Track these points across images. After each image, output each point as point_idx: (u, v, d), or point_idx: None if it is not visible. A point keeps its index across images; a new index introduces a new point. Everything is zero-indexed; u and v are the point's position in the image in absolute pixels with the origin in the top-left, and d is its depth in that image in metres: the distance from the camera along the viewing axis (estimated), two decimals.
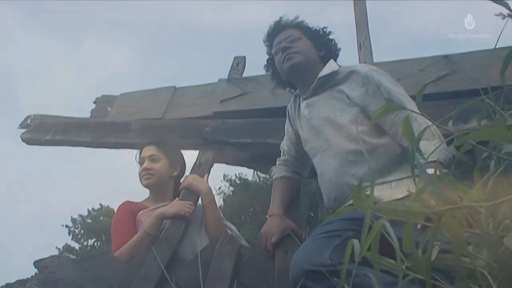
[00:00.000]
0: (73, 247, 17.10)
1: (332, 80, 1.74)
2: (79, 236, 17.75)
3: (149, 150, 2.18)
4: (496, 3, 0.64)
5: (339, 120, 1.64)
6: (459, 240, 0.59)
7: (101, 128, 2.57)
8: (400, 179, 1.48)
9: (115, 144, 2.49)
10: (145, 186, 2.16)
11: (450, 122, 0.79)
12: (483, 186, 0.63)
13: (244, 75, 2.76)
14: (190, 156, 2.33)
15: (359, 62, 2.52)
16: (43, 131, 2.60)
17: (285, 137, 1.99)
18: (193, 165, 2.27)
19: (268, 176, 2.30)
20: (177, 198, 2.08)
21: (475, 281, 0.65)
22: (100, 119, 2.71)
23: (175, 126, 2.47)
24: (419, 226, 0.90)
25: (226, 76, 2.72)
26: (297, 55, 1.79)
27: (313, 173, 1.82)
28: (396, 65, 2.36)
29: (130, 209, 2.07)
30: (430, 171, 1.25)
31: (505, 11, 0.61)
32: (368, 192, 0.56)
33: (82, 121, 2.69)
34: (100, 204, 18.22)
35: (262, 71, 2.08)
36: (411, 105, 1.48)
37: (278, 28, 1.90)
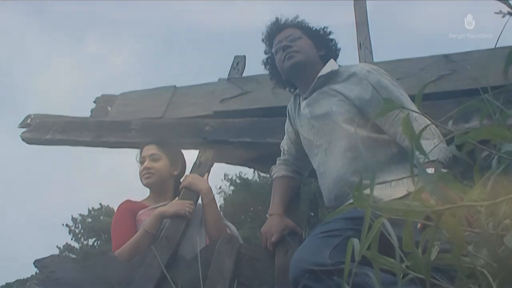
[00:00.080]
0: (74, 247, 17.13)
1: (332, 80, 1.74)
2: (79, 236, 17.78)
3: (150, 149, 2.18)
4: (497, 0, 0.64)
5: (339, 119, 1.64)
6: (459, 239, 0.59)
7: (101, 127, 2.57)
8: (400, 179, 1.48)
9: (115, 143, 2.49)
10: (146, 185, 2.16)
11: (450, 122, 0.79)
12: (483, 185, 0.63)
13: (244, 74, 2.76)
14: (190, 156, 2.33)
15: (359, 62, 2.51)
16: (43, 130, 2.60)
17: (285, 137, 1.99)
18: (193, 165, 2.27)
19: (268, 176, 2.30)
20: (177, 198, 2.08)
21: (475, 280, 0.65)
22: (100, 119, 2.71)
23: (175, 126, 2.47)
24: (419, 225, 0.90)
25: (226, 76, 2.72)
26: (297, 54, 1.79)
27: (313, 173, 1.82)
28: (396, 64, 2.35)
29: (130, 208, 2.07)
30: (430, 170, 1.25)
31: (505, 9, 0.61)
32: (368, 191, 0.56)
33: (82, 121, 2.69)
34: (100, 204, 18.25)
35: (262, 71, 2.08)
36: (411, 105, 1.48)
37: (278, 27, 1.90)
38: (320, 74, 1.76)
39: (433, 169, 1.23)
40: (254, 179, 12.79)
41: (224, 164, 2.54)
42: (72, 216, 17.95)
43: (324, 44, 1.88)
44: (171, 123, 2.51)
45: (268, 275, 1.71)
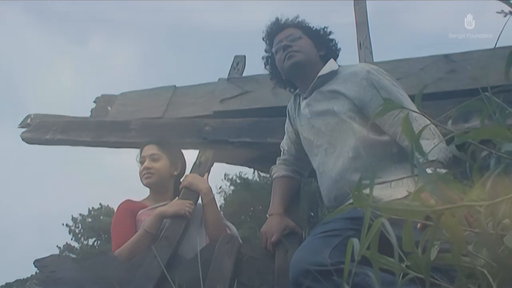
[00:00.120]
0: (74, 246, 17.14)
1: (332, 80, 1.74)
2: (79, 235, 17.79)
3: (150, 149, 2.18)
4: (497, 0, 0.64)
5: (339, 119, 1.64)
6: (459, 239, 0.59)
7: (101, 127, 2.57)
8: (400, 179, 1.48)
9: (115, 143, 2.49)
10: (146, 185, 2.16)
11: (450, 121, 0.79)
12: (483, 185, 0.63)
13: (244, 74, 2.76)
14: (190, 156, 2.33)
15: (359, 62, 2.52)
16: (43, 130, 2.60)
17: (285, 136, 1.99)
18: (193, 165, 2.27)
19: (268, 176, 2.30)
20: (177, 198, 2.08)
21: (474, 280, 0.65)
22: (100, 119, 2.71)
23: (175, 125, 2.47)
24: (418, 225, 0.90)
25: (226, 76, 2.72)
26: (298, 54, 1.79)
27: (313, 173, 1.82)
28: (396, 64, 2.35)
29: (130, 208, 2.07)
30: (430, 170, 1.25)
31: (506, 9, 0.61)
32: (368, 191, 0.56)
33: (82, 121, 2.69)
34: (100, 204, 18.26)
35: (262, 71, 2.08)
36: (411, 106, 1.48)
37: (278, 27, 1.90)
38: (320, 74, 1.76)
39: (432, 169, 1.23)
40: (254, 179, 12.80)
41: (224, 164, 2.54)
42: (72, 216, 17.98)
43: (324, 44, 1.88)
44: (171, 123, 2.51)
45: (268, 275, 1.70)
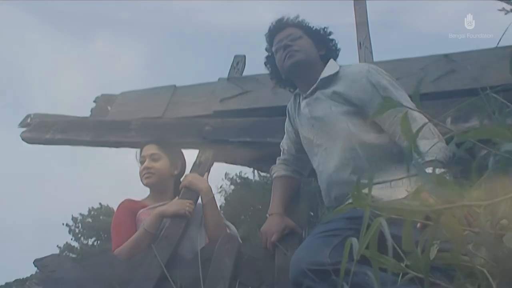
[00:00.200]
0: (74, 246, 17.15)
1: (332, 79, 1.74)
2: (79, 235, 17.80)
3: (150, 149, 2.18)
4: (498, 0, 0.64)
5: (339, 119, 1.64)
6: (458, 238, 0.59)
7: (101, 127, 2.57)
8: (399, 179, 1.48)
9: (115, 143, 2.50)
10: (146, 185, 2.16)
11: (449, 120, 0.79)
12: (483, 184, 0.63)
13: (244, 74, 2.75)
14: (190, 155, 2.33)
15: (359, 61, 2.52)
16: (43, 130, 2.60)
17: (285, 136, 1.99)
18: (193, 164, 2.27)
19: (268, 175, 2.30)
20: (177, 197, 2.08)
21: (474, 280, 0.65)
22: (100, 118, 2.71)
23: (175, 125, 2.48)
24: (418, 225, 0.90)
25: (226, 75, 2.72)
26: (298, 53, 1.79)
27: (313, 172, 1.82)
28: (396, 64, 2.35)
29: (130, 208, 2.07)
30: (429, 170, 1.25)
31: (508, 7, 0.61)
32: (367, 190, 0.57)
33: (82, 120, 2.69)
34: (100, 204, 18.27)
35: (262, 70, 2.08)
36: (410, 106, 1.48)
37: (279, 26, 1.90)
38: (322, 76, 1.75)
39: (432, 169, 1.23)
40: (254, 179, 12.80)
41: (224, 164, 2.54)
42: (72, 215, 17.99)
43: (324, 44, 1.88)
44: (171, 122, 2.51)
45: (268, 275, 1.70)
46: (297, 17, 1.91)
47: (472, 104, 0.71)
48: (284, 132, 2.00)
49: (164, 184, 2.16)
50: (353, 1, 2.85)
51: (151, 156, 2.15)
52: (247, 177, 13.17)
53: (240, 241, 1.99)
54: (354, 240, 0.58)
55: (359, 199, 0.55)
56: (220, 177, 13.79)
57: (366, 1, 2.84)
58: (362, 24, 2.73)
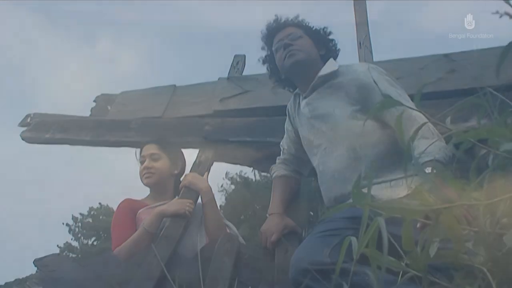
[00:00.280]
0: (74, 246, 17.15)
1: (331, 79, 1.74)
2: (79, 235, 17.81)
3: (150, 149, 2.18)
4: (498, 0, 0.64)
5: (339, 118, 1.64)
6: (458, 237, 0.59)
7: (101, 126, 2.57)
8: (399, 178, 1.47)
9: (115, 142, 2.50)
10: (146, 185, 2.16)
11: (448, 119, 0.79)
12: (481, 184, 0.63)
13: (244, 73, 2.75)
14: (190, 155, 2.33)
15: (359, 61, 2.52)
16: (43, 129, 2.60)
17: (285, 136, 1.99)
18: (193, 164, 2.27)
19: (268, 175, 2.30)
20: (177, 197, 2.08)
21: (473, 280, 0.65)
22: (100, 118, 2.71)
23: (175, 125, 2.48)
24: (418, 225, 0.90)
25: (226, 75, 2.72)
26: (299, 53, 1.79)
27: (313, 172, 1.82)
28: (396, 63, 2.35)
29: (130, 207, 2.07)
30: (429, 169, 1.25)
31: (501, 10, 0.61)
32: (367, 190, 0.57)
33: (82, 120, 2.69)
34: (100, 203, 18.27)
35: (262, 70, 2.08)
36: (410, 105, 1.48)
37: (279, 26, 1.90)
38: (320, 73, 1.76)
39: (431, 169, 1.23)
40: (255, 178, 12.79)
41: (225, 163, 2.54)
42: (72, 215, 17.99)
43: (324, 44, 1.88)
44: (171, 122, 2.51)
45: (268, 274, 1.71)
46: (297, 16, 1.92)
47: (471, 103, 0.71)
48: (284, 132, 2.00)
49: (164, 183, 2.16)
50: (353, 1, 2.85)
51: (151, 155, 2.15)
52: (247, 177, 13.17)
53: (242, 240, 1.99)
54: (353, 239, 0.58)
55: (359, 198, 0.55)
56: (221, 176, 13.80)
57: (366, 1, 2.84)
58: (362, 24, 2.73)
